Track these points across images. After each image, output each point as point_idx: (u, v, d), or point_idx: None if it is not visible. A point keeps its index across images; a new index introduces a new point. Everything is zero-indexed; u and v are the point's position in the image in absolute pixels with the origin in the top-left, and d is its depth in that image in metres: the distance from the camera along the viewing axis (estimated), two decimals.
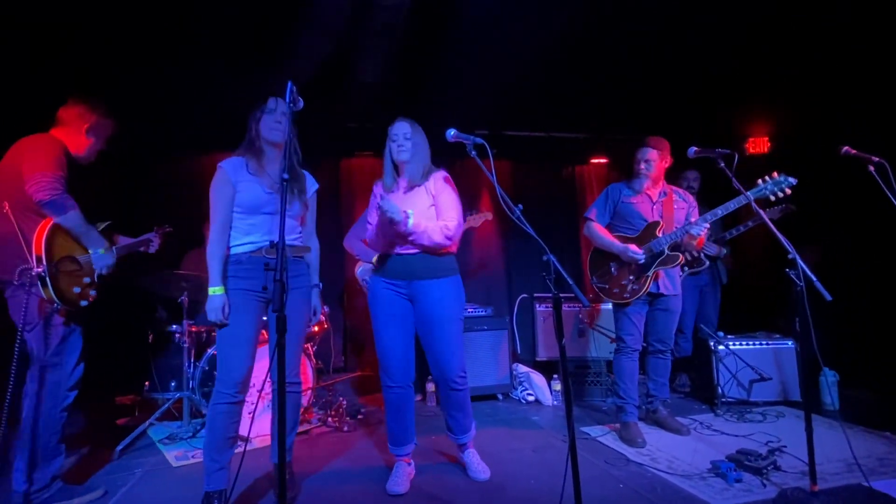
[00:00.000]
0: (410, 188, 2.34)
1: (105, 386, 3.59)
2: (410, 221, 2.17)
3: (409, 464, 2.40)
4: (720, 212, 2.65)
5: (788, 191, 2.42)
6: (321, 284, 2.38)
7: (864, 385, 3.55)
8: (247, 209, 2.09)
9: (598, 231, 2.98)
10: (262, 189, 2.09)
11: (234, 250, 2.10)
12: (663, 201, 2.93)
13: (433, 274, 2.30)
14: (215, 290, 2.03)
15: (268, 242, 2.10)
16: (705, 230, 2.71)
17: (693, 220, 2.81)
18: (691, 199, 3.02)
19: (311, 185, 2.31)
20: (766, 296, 4.19)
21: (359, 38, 3.39)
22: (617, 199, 3.00)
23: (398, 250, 2.30)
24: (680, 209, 2.93)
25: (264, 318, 2.20)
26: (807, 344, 2.06)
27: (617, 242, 2.89)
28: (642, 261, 2.80)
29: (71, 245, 2.15)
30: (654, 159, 2.89)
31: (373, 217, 2.37)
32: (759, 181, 2.46)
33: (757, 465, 2.34)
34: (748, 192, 2.37)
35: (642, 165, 2.90)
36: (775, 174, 2.44)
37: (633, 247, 2.81)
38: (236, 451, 2.06)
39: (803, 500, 1.99)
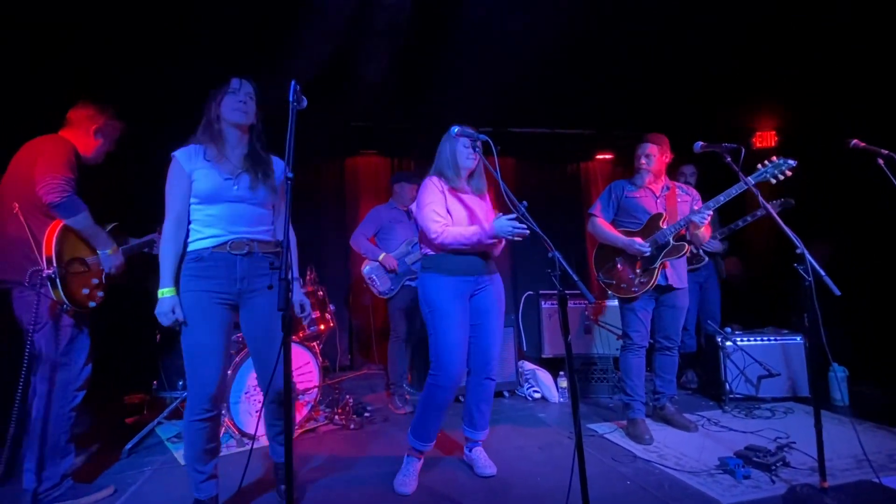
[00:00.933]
0: (476, 195, 2.43)
1: (114, 385, 3.62)
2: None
3: (420, 460, 2.39)
4: (722, 198, 2.65)
5: (789, 172, 2.41)
6: (301, 279, 2.30)
7: (873, 380, 3.52)
8: (205, 198, 1.92)
9: (602, 226, 2.98)
10: (220, 175, 1.93)
11: (193, 245, 1.92)
12: (666, 195, 2.94)
13: (493, 270, 2.43)
14: (165, 292, 1.85)
15: (232, 236, 1.93)
16: (709, 217, 2.70)
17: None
18: (694, 192, 3.02)
19: (281, 171, 2.04)
20: (773, 291, 4.16)
21: (361, 38, 3.38)
22: (620, 195, 3.01)
23: (474, 249, 2.31)
24: (683, 202, 2.93)
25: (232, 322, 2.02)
26: (816, 339, 2.04)
27: (621, 236, 2.89)
28: (648, 253, 2.79)
29: (79, 246, 2.17)
30: (654, 153, 2.91)
31: (443, 214, 2.30)
32: (759, 165, 2.47)
33: (766, 462, 2.32)
34: (748, 178, 2.37)
35: (643, 160, 2.93)
36: (774, 158, 2.45)
37: (638, 239, 2.81)
38: (244, 448, 2.07)
39: (813, 496, 1.97)
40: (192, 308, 1.88)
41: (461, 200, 2.37)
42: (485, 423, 2.46)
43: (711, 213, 2.70)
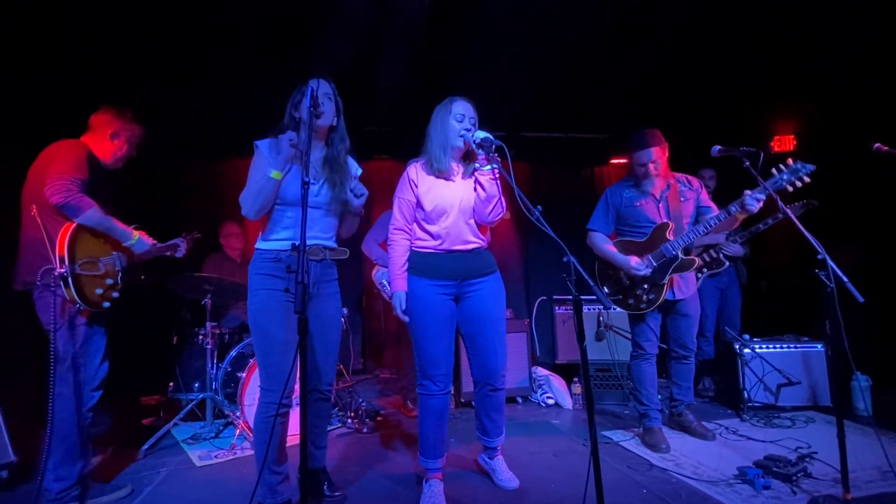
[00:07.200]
0: (469, 175, 2.23)
1: (131, 386, 3.67)
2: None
3: (440, 481, 2.23)
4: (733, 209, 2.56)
5: (807, 179, 2.25)
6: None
7: None
8: (288, 202, 1.96)
9: (601, 243, 2.86)
10: (299, 179, 1.96)
11: (271, 245, 1.97)
12: (668, 196, 2.76)
13: (485, 270, 2.24)
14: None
15: (311, 241, 1.96)
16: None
17: (703, 203, 2.76)
18: (696, 182, 2.84)
19: (355, 172, 2.20)
20: (794, 297, 4.08)
21: (378, 43, 3.42)
22: (618, 203, 2.86)
23: (450, 247, 2.18)
24: (687, 201, 2.78)
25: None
26: (838, 347, 2.00)
27: (619, 256, 2.76)
28: (643, 273, 2.68)
29: (94, 246, 2.18)
30: (660, 157, 2.71)
31: (404, 216, 2.22)
32: (774, 170, 2.30)
33: (786, 472, 2.27)
34: (765, 184, 2.27)
35: (651, 167, 2.71)
36: (790, 161, 2.29)
37: (633, 260, 2.70)
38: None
39: None
40: (268, 306, 1.92)
41: (448, 184, 2.21)
42: (497, 430, 2.37)
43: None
